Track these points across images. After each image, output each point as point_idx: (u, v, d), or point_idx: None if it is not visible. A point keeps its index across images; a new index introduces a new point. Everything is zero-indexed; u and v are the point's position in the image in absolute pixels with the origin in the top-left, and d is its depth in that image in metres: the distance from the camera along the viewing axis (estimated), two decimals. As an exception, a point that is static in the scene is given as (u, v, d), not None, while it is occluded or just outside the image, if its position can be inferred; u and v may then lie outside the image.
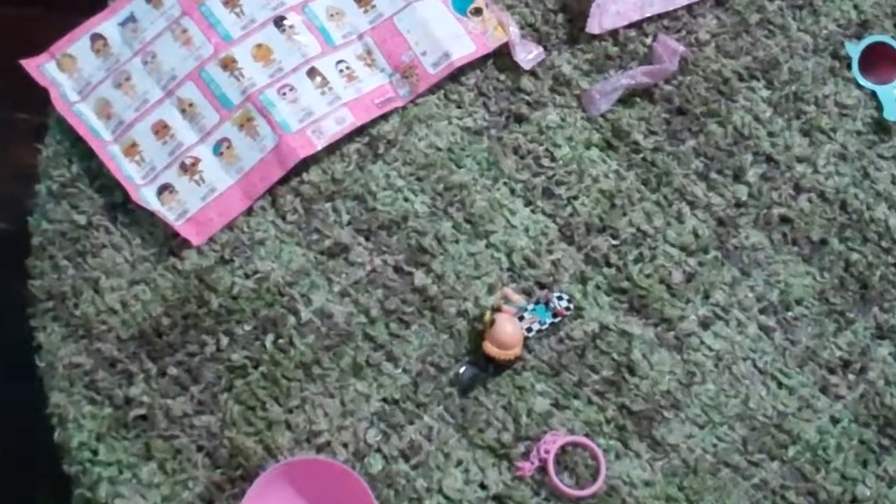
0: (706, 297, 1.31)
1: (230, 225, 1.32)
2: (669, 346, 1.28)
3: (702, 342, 1.28)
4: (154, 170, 1.34)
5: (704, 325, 1.29)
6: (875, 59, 1.43)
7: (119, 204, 1.33)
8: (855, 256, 1.34)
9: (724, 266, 1.33)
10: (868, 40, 1.44)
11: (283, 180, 1.33)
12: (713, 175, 1.38)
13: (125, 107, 1.37)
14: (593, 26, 1.41)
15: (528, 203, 1.35)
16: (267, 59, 1.36)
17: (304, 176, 1.34)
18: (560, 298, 1.29)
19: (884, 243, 1.35)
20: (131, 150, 1.35)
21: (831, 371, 1.28)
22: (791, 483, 1.22)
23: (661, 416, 1.24)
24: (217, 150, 1.34)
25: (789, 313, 1.31)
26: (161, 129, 1.35)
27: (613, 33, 1.43)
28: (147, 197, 1.33)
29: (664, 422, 1.24)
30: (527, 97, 1.41)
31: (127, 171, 1.34)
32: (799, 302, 1.31)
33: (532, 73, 1.42)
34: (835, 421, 1.26)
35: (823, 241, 1.35)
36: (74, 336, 1.26)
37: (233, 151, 1.33)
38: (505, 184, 1.36)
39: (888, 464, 1.24)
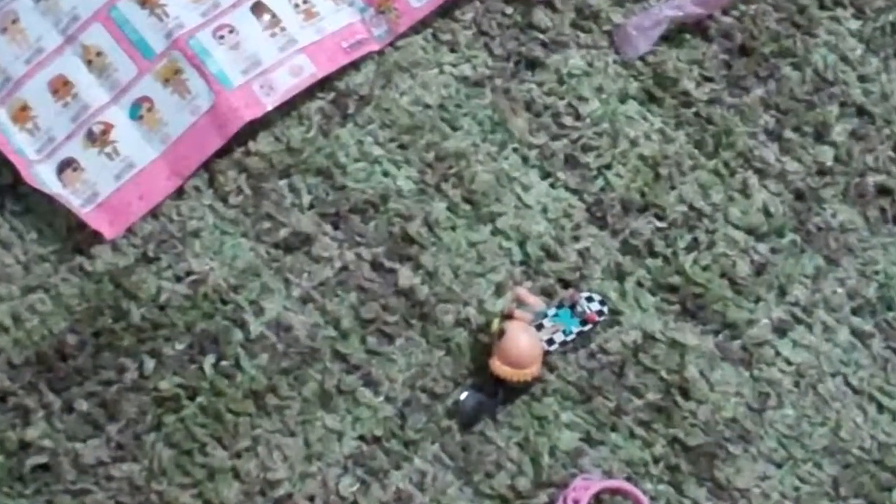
0: (782, 294, 1.31)
1: (155, 212, 1.32)
2: (735, 360, 1.28)
3: (777, 353, 1.28)
4: (52, 140, 1.34)
5: (780, 330, 1.29)
6: None
7: (7, 186, 1.33)
8: (976, 237, 1.34)
9: (804, 253, 1.33)
10: None
11: (224, 151, 1.33)
12: (788, 134, 1.38)
13: (12, 58, 1.36)
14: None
15: (545, 175, 1.35)
16: (198, -10, 1.36)
17: (251, 145, 1.34)
18: (590, 300, 1.28)
19: None
20: (21, 114, 1.35)
21: (948, 389, 1.28)
22: None
23: (726, 452, 1.24)
24: (135, 114, 1.34)
25: (891, 314, 1.30)
26: (61, 87, 1.34)
27: (654, -51, 1.43)
28: (44, 176, 1.32)
29: (730, 459, 1.23)
30: (541, 36, 1.41)
31: (16, 143, 1.34)
32: None
33: (548, 3, 1.42)
34: (954, 454, 1.25)
35: None
36: (-49, 362, 1.26)
37: (156, 114, 1.33)
38: (515, 150, 1.36)
39: None
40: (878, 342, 1.29)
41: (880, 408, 1.26)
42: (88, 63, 1.35)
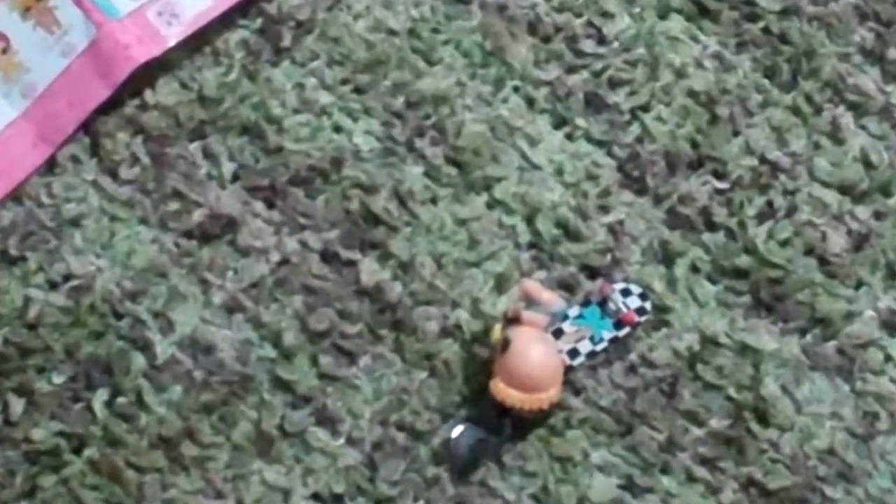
0: (892, 275, 1.31)
1: (17, 193, 1.33)
2: (830, 369, 1.28)
3: (888, 358, 1.29)
4: None
5: (891, 326, 1.29)
6: None
7: None
8: None
9: None
10: None
11: (112, 106, 1.34)
12: (892, 53, 1.39)
13: None
14: None
15: (559, 123, 1.36)
16: None
17: (149, 96, 1.35)
18: (627, 294, 1.29)
19: None
20: None
21: None
22: None
23: (822, 497, 1.24)
24: None
25: None
26: None
27: None
28: None
29: None
30: (548, -72, 1.41)
31: None
32: None
33: None
34: None
35: None
36: None
37: (13, 58, 1.34)
38: (516, 90, 1.37)
39: None
40: None
41: None
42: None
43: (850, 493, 1.24)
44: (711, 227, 1.32)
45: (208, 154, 1.34)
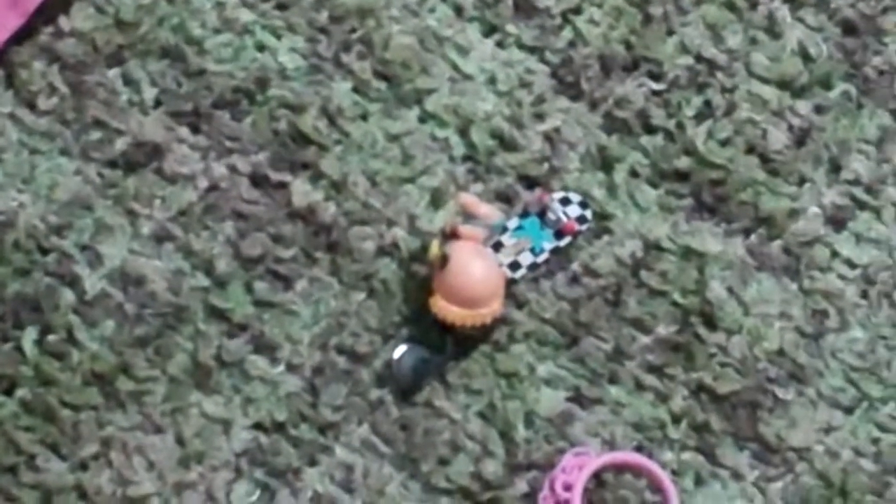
0: (835, 170, 1.31)
1: None
2: (776, 269, 1.28)
3: (835, 254, 1.29)
4: None
5: (836, 221, 1.30)
6: None
7: None
8: None
9: (862, 109, 1.34)
10: None
11: (26, 35, 1.33)
12: None
13: None
14: None
15: (490, 30, 1.36)
16: None
17: (63, 22, 1.34)
18: (567, 202, 1.28)
19: None
20: None
21: None
22: None
23: (773, 399, 1.24)
24: None
25: None
26: None
27: None
28: None
29: (779, 408, 1.24)
30: None
31: None
32: None
33: None
34: None
35: None
36: None
37: None
38: None
39: None
40: None
41: None
42: None
43: (803, 393, 1.24)
44: (649, 129, 1.32)
45: (128, 80, 1.32)
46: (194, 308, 1.26)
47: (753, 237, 1.29)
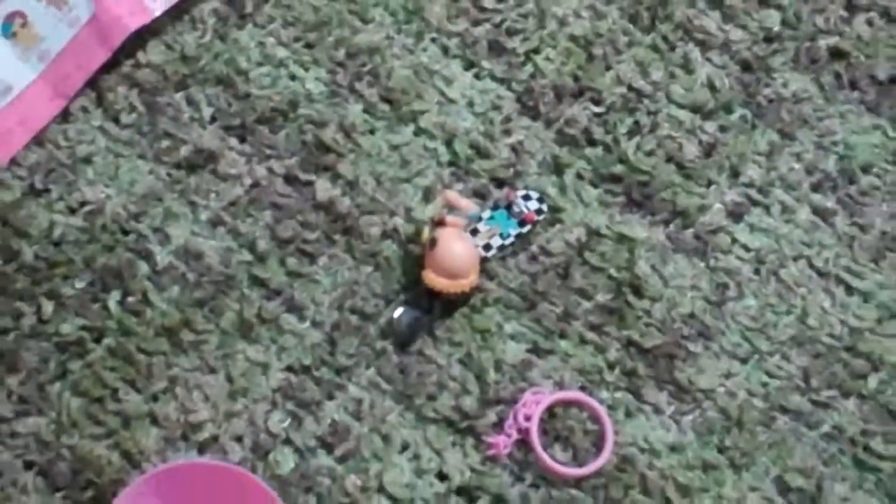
0: (734, 175, 1.30)
1: (39, 138, 1.30)
2: (688, 251, 1.27)
3: (734, 240, 1.28)
4: None
5: (735, 214, 1.29)
6: None
7: None
8: (939, 97, 1.34)
9: (755, 129, 1.32)
10: None
11: (111, 66, 1.32)
12: None
13: None
14: None
15: (468, 65, 1.34)
16: None
17: (141, 56, 1.33)
18: (527, 198, 1.27)
19: (978, 74, 1.35)
20: None
21: (920, 263, 1.28)
22: (876, 427, 1.21)
23: (686, 352, 1.23)
24: (7, 31, 1.31)
25: (854, 187, 1.30)
26: None
27: None
28: None
29: (690, 359, 1.23)
30: None
31: None
32: (867, 169, 1.31)
33: None
34: (930, 333, 1.25)
35: (894, 80, 1.34)
36: None
37: (31, 31, 1.31)
38: (433, 41, 1.35)
39: None
40: (841, 219, 1.28)
41: (849, 290, 1.26)
42: (-51, -23, 1.32)
43: (708, 347, 1.23)
44: (592, 143, 1.31)
45: (190, 101, 1.31)
46: (240, 277, 1.25)
47: (671, 226, 1.28)
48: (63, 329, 1.22)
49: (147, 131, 1.30)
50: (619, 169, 1.30)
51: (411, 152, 1.30)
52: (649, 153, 1.30)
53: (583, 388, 1.21)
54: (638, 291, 1.25)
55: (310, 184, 1.28)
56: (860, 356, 1.23)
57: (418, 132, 1.31)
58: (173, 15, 1.33)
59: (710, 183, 1.29)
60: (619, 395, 1.21)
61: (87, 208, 1.27)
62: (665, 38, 1.35)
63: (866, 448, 1.20)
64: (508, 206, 1.27)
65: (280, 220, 1.27)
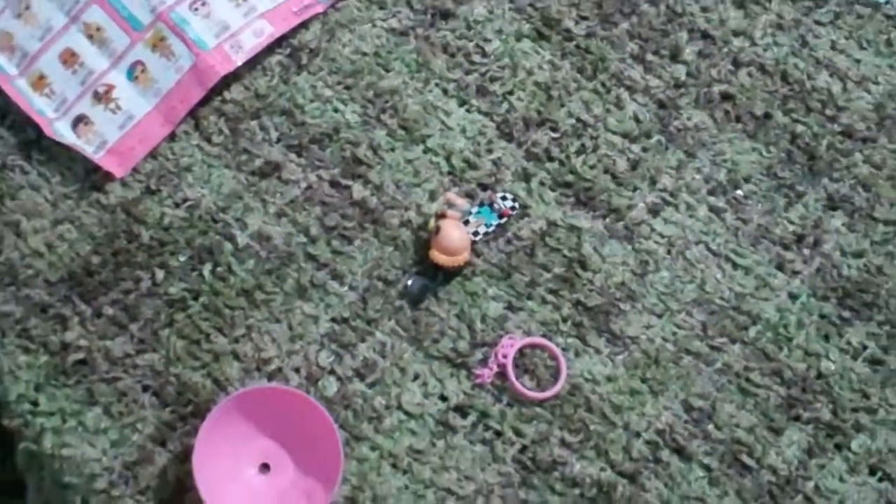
0: (653, 183, 1.30)
1: (153, 153, 1.29)
2: (620, 237, 1.27)
3: (652, 230, 1.27)
4: (66, 101, 1.29)
5: (653, 211, 1.28)
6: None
7: (33, 141, 1.28)
8: (800, 128, 1.33)
9: (668, 150, 1.31)
10: None
11: (205, 101, 1.30)
12: (649, 56, 1.36)
13: (28, 37, 1.31)
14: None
15: (462, 103, 1.33)
16: (174, -27, 1.31)
17: (227, 94, 1.31)
18: (504, 198, 1.27)
19: (828, 111, 1.34)
20: (40, 82, 1.30)
21: (786, 247, 1.27)
22: (755, 364, 1.21)
23: (618, 309, 1.23)
24: (131, 75, 1.29)
25: (738, 192, 1.30)
26: (69, 58, 1.30)
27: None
28: (62, 131, 1.28)
29: (621, 314, 1.23)
30: (451, -8, 1.39)
31: (38, 106, 1.29)
32: (747, 179, 1.30)
33: (454, -34, 1.39)
34: (793, 297, 1.24)
35: (767, 115, 1.34)
36: (0, 284, 1.21)
37: (148, 75, 1.29)
38: (437, 85, 1.34)
39: (851, 335, 1.23)
40: (730, 215, 1.28)
41: (735, 266, 1.26)
42: (90, 37, 1.30)
43: (634, 306, 1.23)
44: (551, 159, 1.30)
45: (262, 127, 1.30)
46: (298, 254, 1.24)
47: (608, 220, 1.27)
48: (170, 290, 1.22)
49: (231, 148, 1.29)
50: (570, 178, 1.29)
51: (421, 165, 1.29)
52: (592, 167, 1.30)
53: (544, 335, 1.21)
54: (584, 266, 1.25)
55: (348, 187, 1.28)
56: (743, 313, 1.23)
57: (426, 151, 1.30)
58: (250, 65, 1.32)
59: (635, 188, 1.29)
60: (570, 340, 1.21)
61: (187, 203, 1.26)
62: (603, 84, 1.35)
63: (748, 379, 1.20)
64: (490, 204, 1.27)
65: (327, 213, 1.26)
